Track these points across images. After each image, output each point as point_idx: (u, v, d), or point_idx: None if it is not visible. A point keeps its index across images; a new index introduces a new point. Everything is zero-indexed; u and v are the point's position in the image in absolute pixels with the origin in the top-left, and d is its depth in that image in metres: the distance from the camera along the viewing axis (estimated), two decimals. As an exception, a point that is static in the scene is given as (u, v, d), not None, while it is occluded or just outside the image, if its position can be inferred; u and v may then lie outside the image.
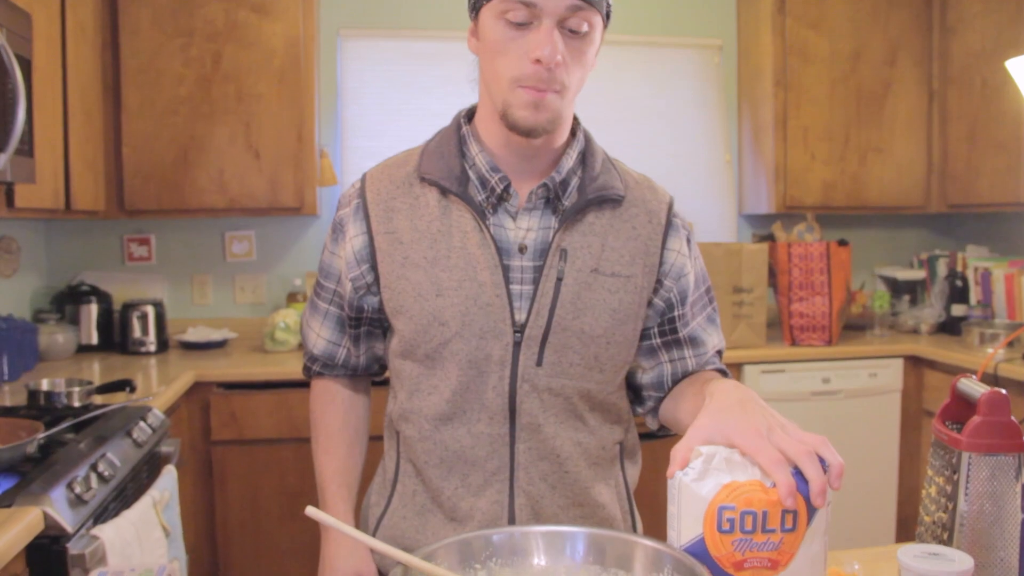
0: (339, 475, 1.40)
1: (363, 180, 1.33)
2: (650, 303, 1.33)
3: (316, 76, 3.47)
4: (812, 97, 3.83)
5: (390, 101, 3.82)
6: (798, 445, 0.92)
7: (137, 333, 3.44)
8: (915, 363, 3.59)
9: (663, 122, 4.06)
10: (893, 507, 3.62)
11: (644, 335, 1.36)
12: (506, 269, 1.24)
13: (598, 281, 1.27)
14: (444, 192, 1.27)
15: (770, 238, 3.88)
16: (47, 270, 3.67)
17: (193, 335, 3.59)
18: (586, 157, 1.31)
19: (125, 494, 1.95)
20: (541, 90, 1.17)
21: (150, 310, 3.46)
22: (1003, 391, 1.06)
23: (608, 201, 1.29)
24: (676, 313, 1.35)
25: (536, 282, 1.25)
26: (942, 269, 4.10)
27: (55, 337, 3.25)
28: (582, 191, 1.28)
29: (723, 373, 1.38)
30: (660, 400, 1.39)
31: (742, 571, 0.91)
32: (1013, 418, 1.06)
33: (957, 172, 3.84)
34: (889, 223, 4.38)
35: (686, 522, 0.91)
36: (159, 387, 2.69)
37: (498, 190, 1.26)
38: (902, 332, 3.93)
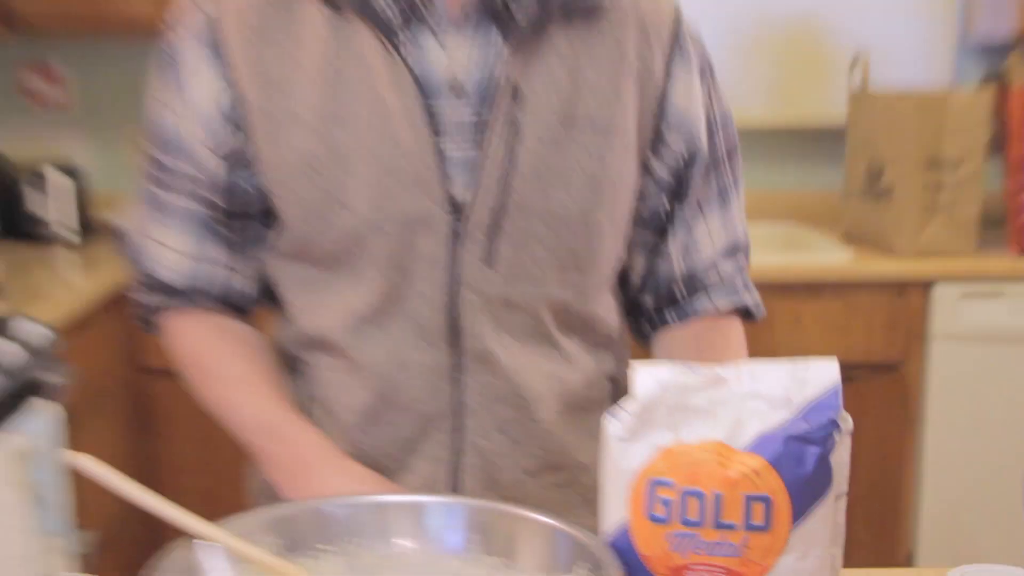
0: (276, 407, 1.10)
1: None
2: (648, 169, 1.08)
3: None
4: None
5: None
6: None
7: (43, 211, 2.73)
8: None
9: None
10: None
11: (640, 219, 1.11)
12: (433, 119, 0.99)
13: (572, 136, 1.02)
14: (335, 6, 1.00)
15: (998, 79, 2.71)
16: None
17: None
18: None
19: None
20: None
21: (61, 179, 2.77)
22: None
23: (579, 12, 1.03)
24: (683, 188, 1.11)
25: (479, 139, 1.00)
26: None
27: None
28: None
29: (746, 312, 1.15)
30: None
31: None
32: None
33: None
34: None
35: (610, 500, 0.70)
36: (56, 289, 2.29)
37: None
38: None
